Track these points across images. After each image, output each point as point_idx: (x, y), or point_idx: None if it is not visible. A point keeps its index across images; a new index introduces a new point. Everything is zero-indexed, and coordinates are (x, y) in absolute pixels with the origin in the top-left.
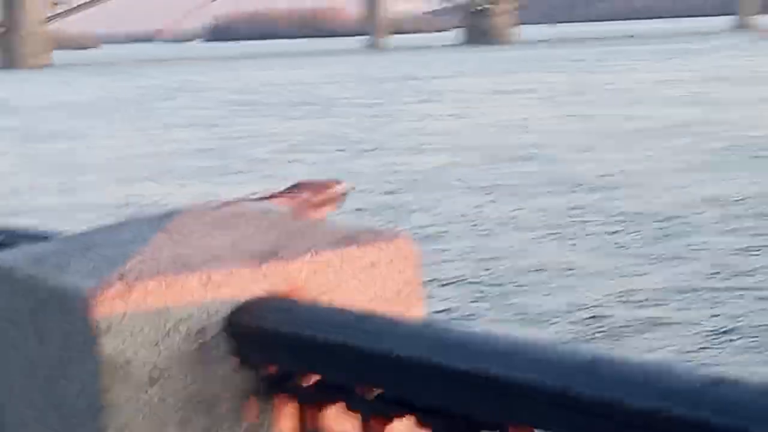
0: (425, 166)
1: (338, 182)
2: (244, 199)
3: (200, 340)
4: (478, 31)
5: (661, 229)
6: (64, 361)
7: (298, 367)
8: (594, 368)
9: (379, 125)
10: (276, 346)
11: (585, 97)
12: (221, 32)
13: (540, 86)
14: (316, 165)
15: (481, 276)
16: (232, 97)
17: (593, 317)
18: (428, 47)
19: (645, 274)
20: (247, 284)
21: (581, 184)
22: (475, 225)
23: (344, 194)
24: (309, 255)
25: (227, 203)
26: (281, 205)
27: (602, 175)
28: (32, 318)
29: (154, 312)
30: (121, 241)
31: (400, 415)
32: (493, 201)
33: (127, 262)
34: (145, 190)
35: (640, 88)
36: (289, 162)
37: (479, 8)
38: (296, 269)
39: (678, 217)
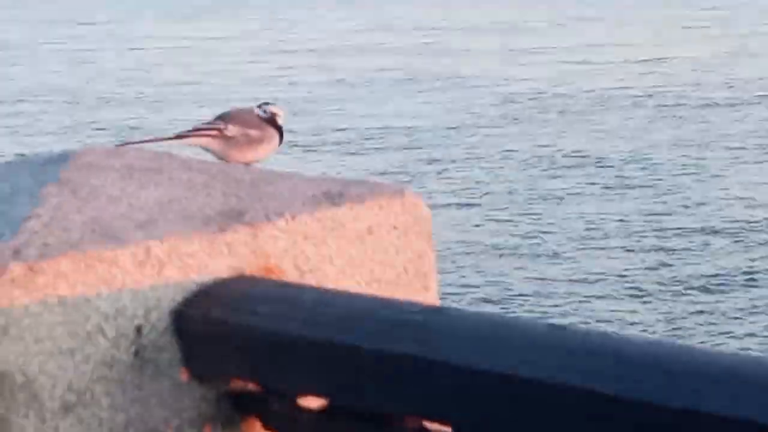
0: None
1: (268, 104)
2: (155, 139)
3: (135, 346)
4: None
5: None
6: None
7: (279, 382)
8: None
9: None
10: (246, 351)
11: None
12: None
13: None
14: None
15: None
16: None
17: None
18: None
19: None
20: (204, 261)
21: None
22: None
23: (280, 118)
24: (284, 219)
25: (131, 142)
26: (207, 145)
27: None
28: None
29: (68, 305)
30: None
31: None
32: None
33: (20, 229)
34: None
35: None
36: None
37: None
38: (270, 239)
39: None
